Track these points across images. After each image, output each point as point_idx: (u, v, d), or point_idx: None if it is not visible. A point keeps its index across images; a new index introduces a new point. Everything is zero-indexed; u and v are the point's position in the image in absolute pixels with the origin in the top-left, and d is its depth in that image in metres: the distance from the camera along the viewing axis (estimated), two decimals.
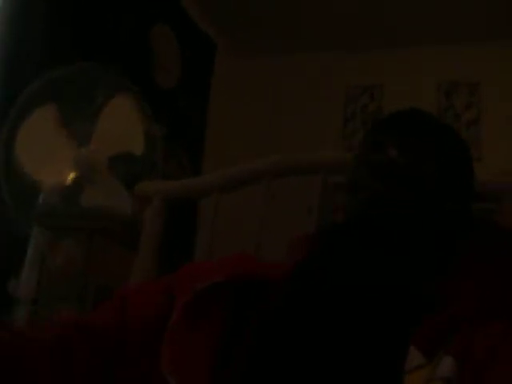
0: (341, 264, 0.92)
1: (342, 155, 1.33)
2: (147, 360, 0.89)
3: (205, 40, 3.40)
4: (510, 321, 0.78)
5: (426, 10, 3.08)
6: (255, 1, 3.18)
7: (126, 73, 1.97)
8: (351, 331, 0.81)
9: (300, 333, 0.83)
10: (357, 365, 0.79)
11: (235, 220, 2.21)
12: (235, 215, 2.13)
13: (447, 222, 0.96)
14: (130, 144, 1.81)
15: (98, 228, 1.49)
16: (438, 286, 0.84)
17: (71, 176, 1.70)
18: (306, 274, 0.92)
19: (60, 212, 1.53)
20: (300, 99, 3.47)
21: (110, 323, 0.94)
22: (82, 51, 2.33)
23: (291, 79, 3.53)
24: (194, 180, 1.45)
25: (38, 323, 1.31)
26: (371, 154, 0.99)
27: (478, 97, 3.19)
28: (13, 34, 2.03)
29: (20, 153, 1.63)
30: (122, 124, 1.79)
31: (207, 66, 3.46)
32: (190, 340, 0.87)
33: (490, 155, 2.89)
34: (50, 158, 1.68)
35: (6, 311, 1.70)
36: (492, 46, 3.17)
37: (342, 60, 3.44)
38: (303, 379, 0.79)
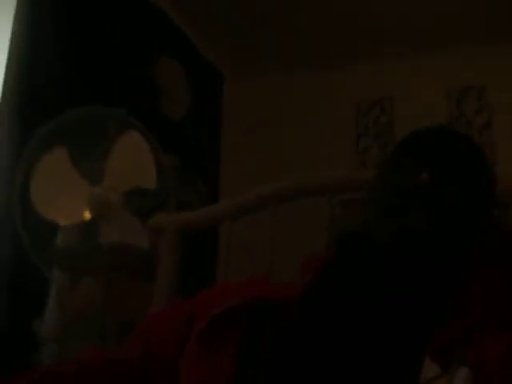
0: (355, 278, 0.93)
1: (349, 174, 1.34)
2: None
3: (211, 69, 3.44)
4: None
5: (428, 18, 3.09)
6: (257, 24, 3.21)
7: (135, 108, 2.01)
8: (366, 344, 0.82)
9: (316, 349, 0.84)
10: (373, 377, 0.79)
11: (251, 244, 2.22)
12: (251, 239, 2.14)
13: (468, 246, 0.96)
14: (143, 178, 1.84)
15: (115, 265, 1.50)
16: (453, 295, 0.85)
17: (86, 215, 1.73)
18: (322, 289, 0.93)
19: (77, 252, 1.56)
20: (311, 117, 3.48)
21: (136, 354, 0.97)
22: (89, 92, 2.38)
23: (301, 98, 3.55)
24: (205, 210, 1.47)
25: (63, 362, 1.34)
26: (400, 176, 0.98)
27: (486, 100, 3.18)
28: (19, 77, 2.08)
29: (35, 196, 1.66)
30: (133, 159, 1.82)
31: (215, 94, 3.50)
32: (207, 364, 0.88)
33: (505, 158, 2.87)
34: (64, 198, 1.71)
35: (33, 350, 1.73)
36: (496, 49, 3.17)
37: (350, 74, 3.45)
38: None
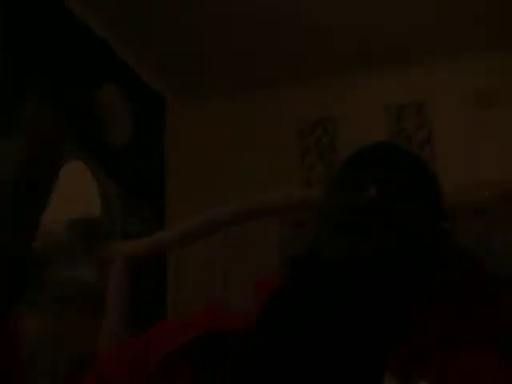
0: (305, 300, 0.92)
1: (296, 193, 1.34)
2: None
3: (153, 94, 3.43)
4: (483, 347, 0.78)
5: (364, 37, 3.15)
6: (197, 47, 3.22)
7: (77, 135, 1.97)
8: (325, 363, 0.81)
9: (268, 374, 0.83)
10: None
11: (201, 269, 2.19)
12: (202, 264, 2.12)
13: (425, 258, 0.96)
14: (87, 207, 1.81)
15: (63, 300, 1.46)
16: (413, 312, 0.85)
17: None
18: (270, 322, 0.92)
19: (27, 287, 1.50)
20: (255, 137, 3.50)
21: None
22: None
23: (244, 120, 3.56)
24: (153, 237, 1.44)
25: None
26: (348, 193, 0.98)
27: (425, 116, 3.26)
28: None
29: None
30: (76, 190, 1.79)
31: (158, 119, 3.49)
32: None
33: (444, 172, 2.94)
34: None
35: None
36: (434, 64, 3.26)
37: (290, 94, 3.49)
38: None
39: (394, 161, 1.02)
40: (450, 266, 0.93)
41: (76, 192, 1.78)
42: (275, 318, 0.91)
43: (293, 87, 3.46)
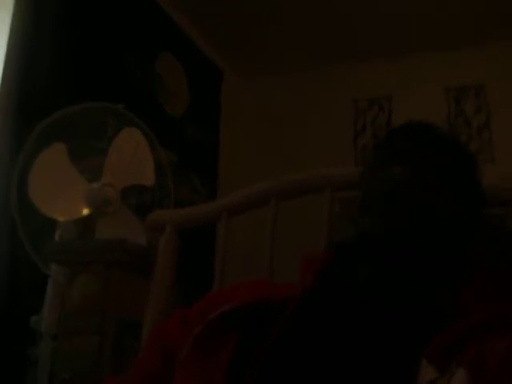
0: (353, 279, 0.93)
1: (348, 170, 1.34)
2: None
3: (211, 66, 3.44)
4: None
5: (424, 17, 3.09)
6: (256, 22, 3.21)
7: (134, 104, 2.00)
8: (363, 346, 0.82)
9: (312, 349, 0.84)
10: (369, 379, 0.79)
11: (251, 240, 2.21)
12: (251, 235, 2.14)
13: (459, 236, 0.95)
14: (141, 175, 1.84)
15: (113, 261, 1.50)
16: (450, 297, 0.84)
17: (85, 211, 1.73)
18: (319, 291, 0.93)
19: (75, 248, 1.55)
20: (309, 116, 3.49)
21: (156, 362, 0.99)
22: (88, 87, 2.37)
23: (299, 96, 3.55)
24: (203, 206, 1.46)
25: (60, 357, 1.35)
26: (380, 170, 0.98)
27: (484, 99, 3.18)
28: (18, 75, 2.07)
29: (33, 193, 1.66)
30: (132, 156, 1.82)
31: (215, 91, 3.50)
32: (202, 370, 0.88)
33: (503, 156, 2.87)
34: (62, 195, 1.71)
35: (31, 346, 1.74)
36: (495, 47, 3.17)
37: (348, 73, 3.46)
38: None
39: (426, 139, 1.01)
40: (489, 251, 0.92)
41: (131, 159, 1.81)
42: (321, 292, 0.92)
43: (349, 65, 3.42)
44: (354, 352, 0.82)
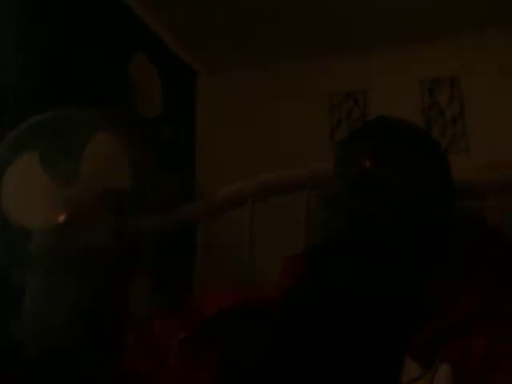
0: (329, 282, 0.92)
1: (324, 167, 1.33)
2: None
3: (184, 66, 3.42)
4: (506, 324, 0.77)
5: (398, 11, 3.10)
6: (229, 18, 3.20)
7: (109, 106, 1.98)
8: (346, 346, 0.81)
9: (296, 352, 0.83)
10: (353, 377, 0.79)
11: (230, 241, 2.20)
12: (230, 237, 2.13)
13: (427, 227, 0.96)
14: (117, 178, 1.81)
15: (92, 267, 1.48)
16: (432, 291, 0.84)
17: (61, 218, 1.70)
18: (299, 295, 0.92)
19: (52, 255, 1.53)
20: (285, 111, 3.48)
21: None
22: (61, 91, 2.34)
23: (274, 92, 3.55)
24: (182, 210, 1.45)
25: None
26: (345, 166, 0.99)
27: (458, 90, 3.21)
28: None
29: (6, 202, 1.63)
30: (107, 159, 1.79)
31: (189, 91, 3.48)
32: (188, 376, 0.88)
33: (477, 146, 2.89)
34: (37, 202, 1.68)
35: (10, 352, 1.71)
36: (468, 38, 3.19)
37: (323, 67, 3.46)
38: None
39: (393, 133, 1.01)
40: (466, 242, 0.92)
41: (106, 162, 1.78)
42: (303, 294, 0.92)
43: (323, 60, 3.42)
44: (337, 353, 0.81)
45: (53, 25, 2.41)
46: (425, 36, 3.17)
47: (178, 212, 1.44)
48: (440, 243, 0.95)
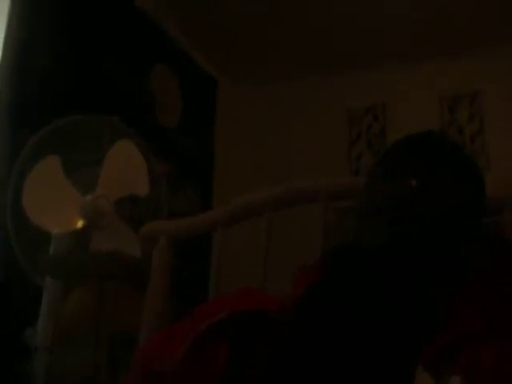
0: (348, 291, 0.92)
1: (342, 180, 1.34)
2: None
3: (205, 76, 3.44)
4: None
5: (419, 26, 3.10)
6: (250, 32, 3.22)
7: (128, 116, 2.00)
8: (360, 354, 0.81)
9: (309, 363, 0.83)
10: None
11: (244, 251, 2.21)
12: (244, 247, 2.14)
13: (459, 249, 0.96)
14: (135, 186, 1.83)
15: (108, 273, 1.50)
16: (447, 306, 0.84)
17: (79, 223, 1.72)
18: (313, 304, 0.92)
19: (69, 261, 1.55)
20: (304, 125, 3.49)
21: None
22: (82, 99, 2.37)
23: (294, 105, 3.55)
24: (198, 217, 1.46)
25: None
26: (389, 182, 0.98)
27: (478, 107, 3.19)
28: (11, 86, 2.07)
29: (27, 205, 1.65)
30: (126, 167, 1.82)
31: (209, 101, 3.50)
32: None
33: (498, 163, 2.87)
34: (57, 207, 1.71)
35: (25, 359, 1.72)
36: (489, 54, 3.17)
37: (343, 82, 3.46)
38: None
39: (436, 152, 1.01)
40: (487, 258, 0.92)
41: (125, 170, 1.81)
42: (316, 305, 0.92)
43: (346, 73, 3.42)
44: (349, 361, 0.81)
45: (78, 36, 2.45)
46: (445, 52, 3.17)
47: (196, 220, 1.45)
48: (466, 257, 0.95)
